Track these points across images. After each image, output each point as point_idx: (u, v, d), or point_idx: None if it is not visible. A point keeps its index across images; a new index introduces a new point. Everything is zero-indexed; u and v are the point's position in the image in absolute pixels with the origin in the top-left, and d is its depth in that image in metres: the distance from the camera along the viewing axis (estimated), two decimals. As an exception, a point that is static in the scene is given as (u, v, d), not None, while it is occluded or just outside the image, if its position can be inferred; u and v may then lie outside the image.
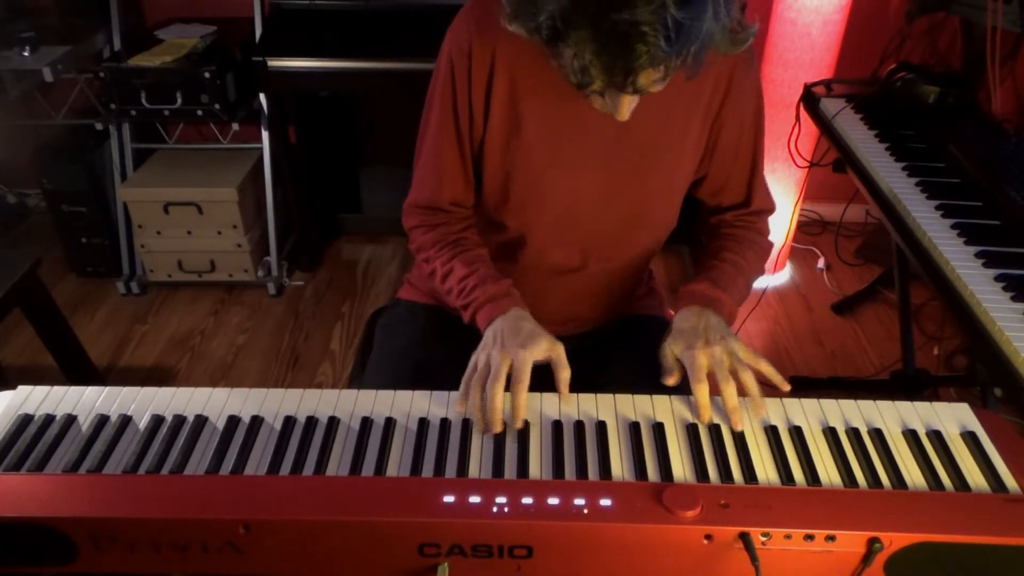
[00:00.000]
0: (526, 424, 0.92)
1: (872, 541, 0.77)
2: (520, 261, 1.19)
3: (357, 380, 1.30)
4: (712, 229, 1.22)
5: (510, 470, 0.86)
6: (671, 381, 1.00)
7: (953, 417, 0.95)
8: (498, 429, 0.90)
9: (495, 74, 1.02)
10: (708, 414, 0.93)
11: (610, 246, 1.17)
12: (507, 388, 0.94)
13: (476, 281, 1.08)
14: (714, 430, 0.93)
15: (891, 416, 0.95)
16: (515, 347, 0.96)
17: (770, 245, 1.21)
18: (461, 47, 1.02)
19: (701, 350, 0.98)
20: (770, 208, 1.21)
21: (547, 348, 0.97)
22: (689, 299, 1.08)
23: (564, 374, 0.96)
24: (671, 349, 1.03)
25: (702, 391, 0.94)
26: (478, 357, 1.00)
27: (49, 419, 0.92)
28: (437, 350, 1.21)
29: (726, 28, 0.83)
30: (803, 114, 2.02)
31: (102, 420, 0.92)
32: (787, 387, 0.96)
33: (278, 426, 0.92)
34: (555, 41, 0.82)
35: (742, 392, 0.95)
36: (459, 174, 1.12)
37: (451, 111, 1.06)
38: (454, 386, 0.98)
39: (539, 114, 1.05)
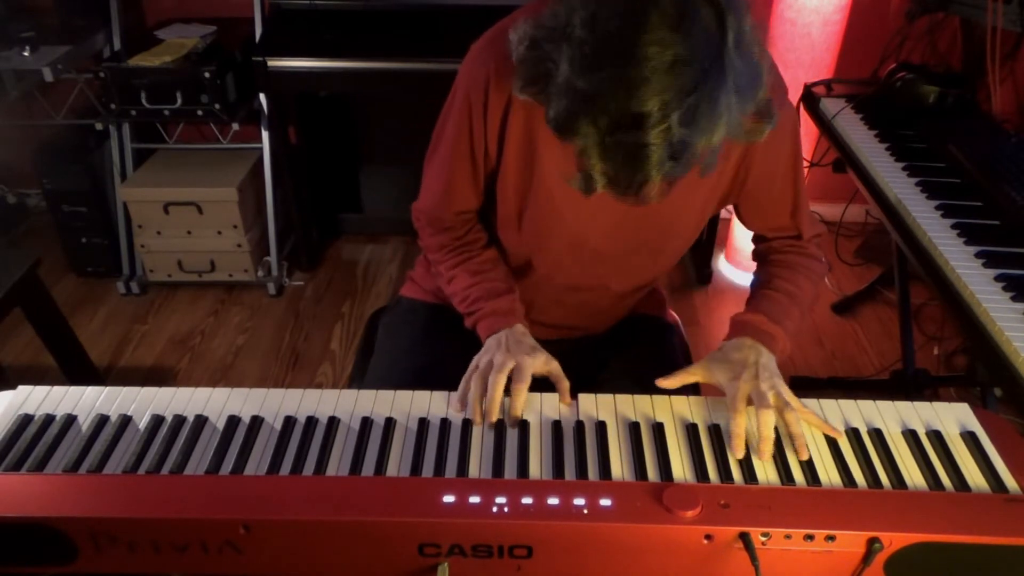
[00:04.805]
0: (526, 424, 0.93)
1: (872, 541, 0.77)
2: (530, 278, 1.18)
3: (357, 380, 1.30)
4: (761, 255, 1.19)
5: (510, 470, 0.86)
6: (666, 383, 0.99)
7: (953, 417, 0.95)
8: (494, 418, 0.93)
9: (510, 113, 1.00)
10: (742, 445, 0.90)
11: (624, 271, 1.16)
12: (506, 389, 0.96)
13: (480, 293, 1.10)
14: (714, 430, 0.93)
15: (891, 416, 0.95)
16: (520, 354, 1.00)
17: (823, 268, 1.16)
18: (478, 85, 0.99)
19: (748, 382, 0.96)
20: (818, 232, 1.17)
21: (545, 362, 1.01)
22: (742, 330, 1.04)
23: (564, 384, 0.99)
24: (711, 372, 1.00)
25: (739, 422, 0.91)
26: (480, 359, 1.02)
27: (49, 419, 0.92)
28: (439, 351, 1.21)
29: (741, 124, 0.79)
30: (803, 114, 2.02)
31: (102, 420, 0.92)
32: (841, 435, 0.92)
33: (278, 426, 0.92)
34: (561, 134, 0.80)
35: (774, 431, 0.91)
36: (469, 192, 1.11)
37: (466, 138, 1.05)
38: (455, 386, 0.99)
39: (555, 153, 1.01)
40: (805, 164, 2.21)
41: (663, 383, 0.99)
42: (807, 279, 1.12)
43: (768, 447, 0.89)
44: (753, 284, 1.16)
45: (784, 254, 1.15)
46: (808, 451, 0.89)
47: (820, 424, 0.94)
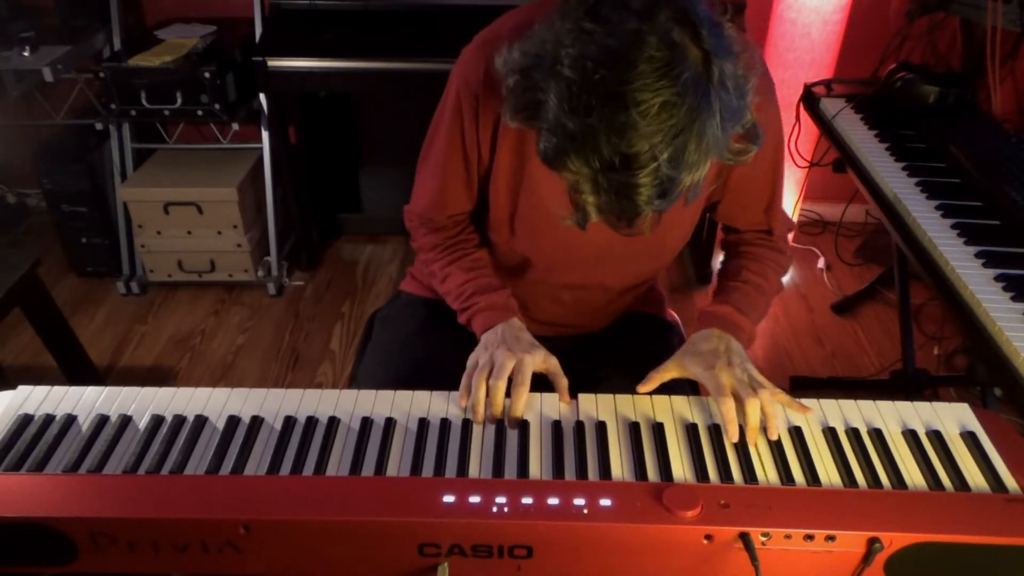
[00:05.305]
0: (526, 424, 0.93)
1: (872, 541, 0.77)
2: (525, 277, 1.18)
3: (357, 380, 1.30)
4: (730, 246, 1.21)
5: (510, 470, 0.86)
6: (645, 388, 0.99)
7: (953, 417, 0.95)
8: (498, 415, 0.94)
9: (503, 117, 1.00)
10: (736, 429, 0.91)
11: (620, 270, 1.17)
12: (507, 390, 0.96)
13: (475, 288, 1.10)
14: (714, 430, 0.93)
15: (891, 416, 0.95)
16: (520, 352, 0.99)
17: (789, 261, 1.19)
18: (470, 88, 0.99)
19: (723, 370, 0.98)
20: (789, 228, 1.19)
21: (543, 359, 1.01)
22: (710, 321, 1.07)
23: (563, 382, 0.99)
24: (684, 366, 1.01)
25: (729, 406, 0.93)
26: (479, 355, 1.02)
27: (49, 419, 0.93)
28: (435, 345, 1.21)
29: (728, 147, 0.81)
30: (803, 114, 2.02)
31: (102, 420, 0.92)
32: (811, 411, 0.95)
33: (278, 426, 0.92)
34: (552, 168, 0.81)
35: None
36: (463, 196, 1.11)
37: (459, 142, 1.05)
38: (451, 381, 0.99)
39: None
40: (805, 164, 2.22)
41: (642, 389, 0.99)
42: (774, 272, 1.16)
43: (755, 435, 0.92)
44: (720, 273, 1.19)
45: (754, 246, 1.17)
46: (779, 433, 0.92)
47: (790, 401, 0.97)
